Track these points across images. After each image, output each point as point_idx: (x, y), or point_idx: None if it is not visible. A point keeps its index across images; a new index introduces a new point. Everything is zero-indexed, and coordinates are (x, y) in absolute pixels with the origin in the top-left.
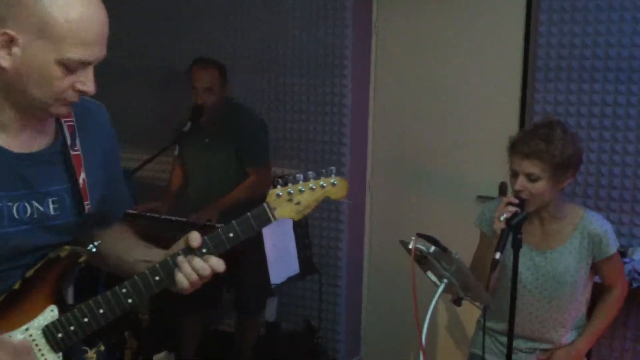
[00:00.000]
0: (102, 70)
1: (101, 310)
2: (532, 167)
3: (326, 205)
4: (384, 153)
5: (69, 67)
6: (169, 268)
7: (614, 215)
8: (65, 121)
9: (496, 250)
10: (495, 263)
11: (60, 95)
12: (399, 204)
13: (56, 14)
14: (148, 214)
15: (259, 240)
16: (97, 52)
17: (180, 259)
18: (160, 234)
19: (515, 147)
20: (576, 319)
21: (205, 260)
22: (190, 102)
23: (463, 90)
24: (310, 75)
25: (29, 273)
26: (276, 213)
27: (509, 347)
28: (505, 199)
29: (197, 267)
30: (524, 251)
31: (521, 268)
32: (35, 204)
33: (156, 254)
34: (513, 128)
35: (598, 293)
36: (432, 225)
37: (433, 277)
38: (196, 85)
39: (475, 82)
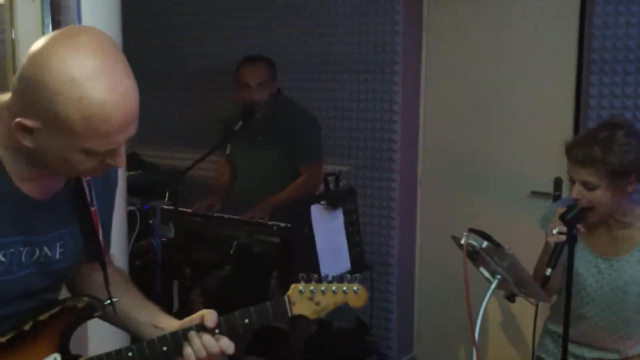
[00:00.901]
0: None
1: None
2: (587, 175)
3: (377, 202)
4: (434, 148)
5: (93, 153)
6: (179, 340)
7: None
8: None
9: (547, 266)
10: (545, 280)
11: (85, 172)
12: (451, 200)
13: (71, 112)
14: (201, 212)
15: (310, 237)
16: (122, 138)
17: (192, 334)
18: (213, 232)
19: (570, 152)
20: None
21: (217, 340)
22: (232, 99)
23: (516, 83)
24: (361, 73)
25: (43, 316)
26: (294, 308)
27: (564, 348)
28: (559, 210)
29: (207, 344)
30: (589, 258)
31: (585, 275)
32: (45, 249)
33: (164, 319)
34: (567, 121)
35: None
36: (485, 222)
37: (486, 273)
38: (248, 82)
39: (528, 74)
